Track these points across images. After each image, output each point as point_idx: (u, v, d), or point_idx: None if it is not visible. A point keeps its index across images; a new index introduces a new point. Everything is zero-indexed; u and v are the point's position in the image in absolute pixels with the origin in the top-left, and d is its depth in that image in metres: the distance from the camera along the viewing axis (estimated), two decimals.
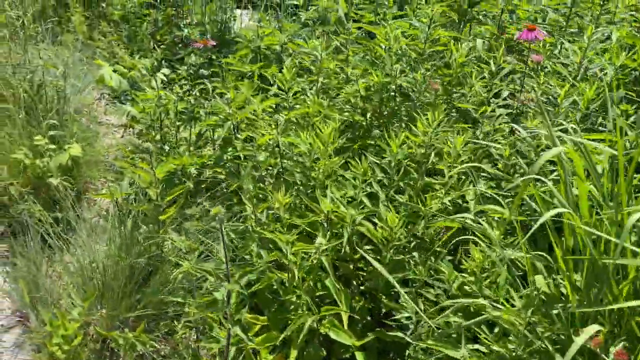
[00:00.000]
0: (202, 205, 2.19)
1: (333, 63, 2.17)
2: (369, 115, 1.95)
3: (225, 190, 2.40)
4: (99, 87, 3.82)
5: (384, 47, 1.97)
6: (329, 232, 1.64)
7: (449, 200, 1.71)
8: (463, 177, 1.83)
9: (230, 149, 2.29)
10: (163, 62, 3.79)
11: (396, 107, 1.94)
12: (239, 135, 2.28)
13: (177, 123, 2.58)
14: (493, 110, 1.94)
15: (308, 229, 1.72)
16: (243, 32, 2.78)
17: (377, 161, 1.68)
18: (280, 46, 2.68)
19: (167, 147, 2.61)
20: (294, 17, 3.76)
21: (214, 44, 2.58)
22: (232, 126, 2.20)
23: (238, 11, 4.23)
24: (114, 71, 3.15)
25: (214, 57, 3.73)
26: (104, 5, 4.56)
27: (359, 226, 1.59)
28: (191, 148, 2.57)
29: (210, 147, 2.76)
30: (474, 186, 1.76)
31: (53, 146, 2.61)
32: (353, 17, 2.72)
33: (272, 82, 2.63)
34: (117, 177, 2.72)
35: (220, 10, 3.96)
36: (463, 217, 1.49)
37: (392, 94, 1.95)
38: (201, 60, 3.64)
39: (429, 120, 1.65)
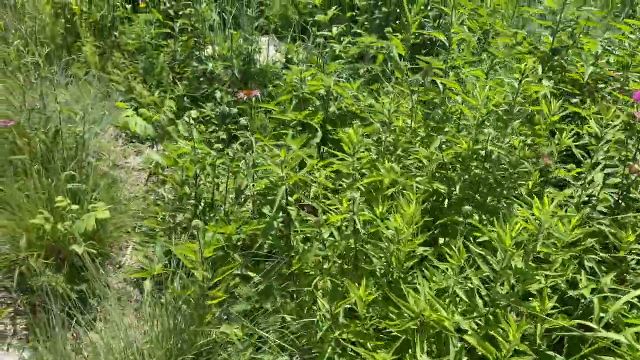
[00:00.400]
0: (253, 284, 1.91)
1: (401, 120, 1.90)
2: (457, 187, 1.69)
3: (272, 255, 2.12)
4: (116, 125, 3.55)
5: (460, 99, 1.71)
6: (424, 342, 1.36)
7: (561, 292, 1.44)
8: (570, 262, 1.56)
9: (279, 214, 2.01)
10: (185, 98, 3.51)
11: (488, 178, 1.68)
12: (290, 199, 2.00)
13: (216, 180, 2.30)
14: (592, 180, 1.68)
15: (396, 332, 1.45)
16: (287, 76, 2.51)
17: (481, 252, 1.41)
18: (326, 91, 2.41)
19: (202, 204, 2.34)
20: (325, 50, 3.50)
21: (257, 94, 2.31)
22: (285, 191, 1.93)
23: (264, 39, 3.96)
24: (138, 114, 2.88)
25: (241, 92, 3.46)
26: (116, 34, 4.30)
27: (468, 336, 1.32)
28: (233, 208, 2.29)
29: (250, 202, 2.48)
30: (585, 272, 1.49)
31: (75, 207, 2.33)
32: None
33: (318, 131, 2.37)
34: (147, 239, 2.44)
35: (244, 41, 3.70)
36: (606, 336, 1.22)
37: (482, 161, 1.69)
38: (228, 98, 3.37)
39: (542, 204, 1.39)
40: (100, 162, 2.99)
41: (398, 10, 2.96)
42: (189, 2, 4.27)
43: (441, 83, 2.02)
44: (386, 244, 1.51)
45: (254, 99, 2.23)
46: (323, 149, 2.35)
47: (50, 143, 2.71)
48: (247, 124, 3.38)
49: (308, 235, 1.88)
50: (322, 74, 2.50)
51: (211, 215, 2.33)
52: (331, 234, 1.69)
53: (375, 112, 1.93)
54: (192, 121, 2.94)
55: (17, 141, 2.63)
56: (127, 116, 2.82)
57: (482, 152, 1.68)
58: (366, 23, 3.43)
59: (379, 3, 3.08)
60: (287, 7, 4.18)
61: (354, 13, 3.59)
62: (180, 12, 4.26)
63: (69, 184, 2.60)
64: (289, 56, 3.62)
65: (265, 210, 2.30)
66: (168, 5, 4.35)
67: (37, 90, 2.80)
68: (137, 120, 2.69)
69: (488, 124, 1.66)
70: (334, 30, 3.43)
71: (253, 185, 2.30)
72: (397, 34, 2.79)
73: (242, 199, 2.41)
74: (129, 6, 4.50)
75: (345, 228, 1.63)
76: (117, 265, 2.56)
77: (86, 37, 4.20)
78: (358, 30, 3.54)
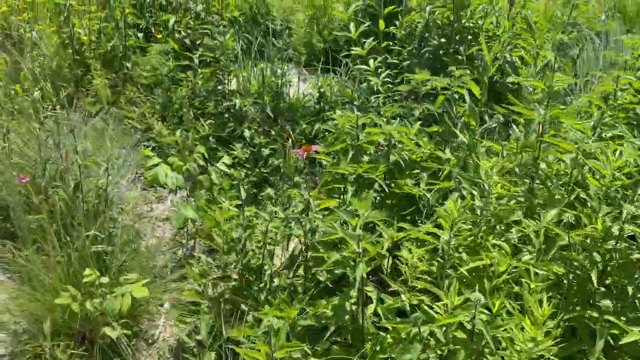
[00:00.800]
0: None
1: (499, 186, 1.62)
2: (594, 276, 1.40)
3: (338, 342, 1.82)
4: (135, 162, 3.25)
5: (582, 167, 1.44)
6: None
7: None
8: None
9: (353, 294, 1.72)
10: (210, 138, 3.22)
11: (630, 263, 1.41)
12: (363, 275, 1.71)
13: (268, 247, 2.01)
14: None
15: None
16: (339, 121, 2.23)
17: None
18: (388, 140, 2.13)
19: (252, 278, 2.04)
20: (362, 84, 3.22)
21: (318, 149, 2.03)
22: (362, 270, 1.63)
23: (294, 71, 3.69)
24: (165, 162, 2.59)
25: (273, 131, 3.18)
26: (128, 65, 4.01)
27: None
28: (286, 280, 2.00)
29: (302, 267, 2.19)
30: None
31: (104, 279, 2.02)
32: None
33: (381, 186, 2.09)
34: (187, 314, 2.13)
35: (272, 74, 3.42)
36: None
37: (617, 243, 1.42)
38: (261, 139, 3.09)
39: None
40: (122, 213, 2.69)
41: (455, 44, 2.69)
42: (207, 31, 4.00)
43: (548, 141, 1.71)
44: (514, 354, 1.22)
45: (312, 153, 1.94)
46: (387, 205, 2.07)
47: (69, 199, 2.40)
48: (280, 166, 3.09)
49: (388, 325, 1.59)
50: (379, 119, 2.22)
51: (260, 286, 2.03)
52: (432, 333, 1.40)
53: (445, 163, 1.65)
54: (226, 168, 2.65)
55: (34, 199, 2.33)
56: (153, 165, 2.52)
57: (616, 232, 1.41)
58: (405, 54, 3.17)
59: (426, 35, 2.82)
60: (312, 34, 3.91)
61: (389, 43, 3.33)
62: (198, 42, 3.98)
63: (94, 246, 2.30)
64: (322, 90, 3.34)
65: (321, 275, 2.01)
66: (184, 34, 4.08)
67: (52, 137, 2.51)
68: (167, 171, 2.40)
69: (618, 195, 1.40)
70: (371, 63, 3.16)
71: (310, 255, 2.01)
72: (452, 69, 2.52)
73: (295, 266, 2.12)
74: (140, 34, 4.23)
75: (454, 329, 1.35)
76: (150, 341, 2.25)
77: (96, 69, 3.91)
78: (393, 60, 3.28)
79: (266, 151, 3.06)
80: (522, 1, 2.59)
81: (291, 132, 3.23)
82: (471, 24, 2.72)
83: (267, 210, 1.95)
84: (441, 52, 2.72)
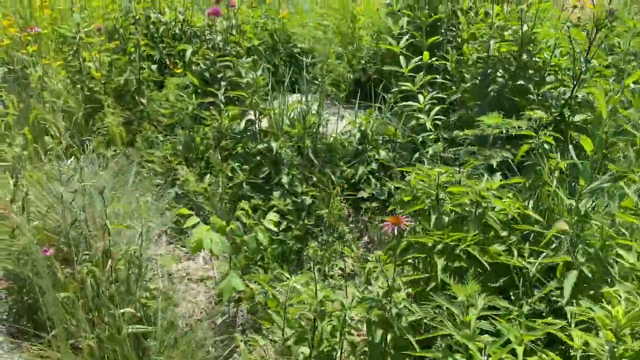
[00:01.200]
0: None
1: None
2: None
3: None
4: (159, 210, 2.92)
5: None
6: None
7: None
8: None
9: None
10: (244, 185, 2.91)
11: None
12: None
13: (347, 337, 1.70)
14: None
15: None
16: (412, 176, 1.94)
17: None
18: (475, 201, 1.84)
19: None
20: (411, 123, 2.94)
21: (410, 221, 1.72)
22: None
23: (327, 105, 3.40)
24: (204, 221, 2.28)
25: (314, 177, 2.88)
26: (143, 101, 3.70)
27: None
28: None
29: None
30: None
31: None
32: None
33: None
34: None
35: (306, 111, 3.13)
36: None
37: None
38: (303, 188, 2.79)
39: None
40: (154, 279, 2.37)
41: (523, 81, 2.42)
42: (229, 64, 3.70)
43: None
44: None
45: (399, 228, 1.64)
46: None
47: (98, 270, 2.08)
48: (324, 216, 2.79)
49: None
50: (457, 173, 1.93)
51: None
52: None
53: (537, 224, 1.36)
54: (274, 227, 2.34)
55: (58, 274, 2.01)
56: (193, 225, 2.20)
57: None
58: (461, 90, 2.90)
59: (489, 71, 2.55)
60: (342, 64, 3.63)
61: (436, 76, 3.06)
62: (219, 75, 3.68)
63: (130, 326, 1.99)
64: (362, 128, 3.05)
65: None
66: (202, 66, 3.77)
67: (77, 199, 2.19)
68: (213, 237, 2.08)
69: None
70: (421, 98, 2.89)
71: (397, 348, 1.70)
72: (529, 114, 2.24)
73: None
74: (154, 67, 3.91)
75: None
76: None
77: (109, 106, 3.59)
78: (440, 95, 3.00)
79: (308, 200, 2.75)
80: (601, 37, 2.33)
81: (333, 177, 2.93)
82: (538, 59, 2.46)
83: (342, 286, 1.64)
84: (506, 89, 2.45)
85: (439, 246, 1.79)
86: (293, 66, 4.20)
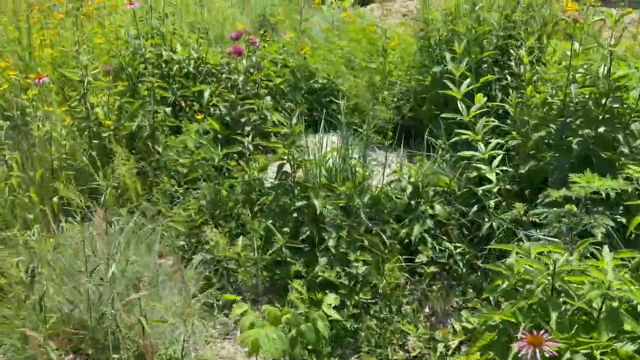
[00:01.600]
0: None
1: None
2: None
3: None
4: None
5: None
6: None
7: None
8: None
9: None
10: (284, 248, 2.56)
11: None
12: None
13: None
14: None
15: None
16: (514, 258, 1.61)
17: None
18: (603, 294, 1.50)
19: None
20: (472, 174, 2.62)
21: (554, 344, 1.38)
22: None
23: (373, 155, 3.07)
24: (251, 306, 1.92)
25: (365, 240, 2.54)
26: (159, 149, 3.34)
27: None
28: None
29: None
30: None
31: None
32: None
33: None
34: None
35: (345, 158, 2.80)
36: None
37: None
38: (355, 255, 2.44)
39: None
40: None
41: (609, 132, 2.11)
42: (253, 107, 3.37)
43: None
44: None
45: None
46: None
47: None
48: (377, 285, 2.44)
49: None
50: (576, 257, 1.60)
51: None
52: None
53: None
54: (336, 314, 1.99)
55: None
56: (241, 314, 1.85)
57: None
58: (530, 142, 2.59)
59: (569, 120, 2.23)
60: (379, 106, 3.32)
61: (495, 121, 2.75)
62: (243, 119, 3.34)
63: None
64: (412, 180, 2.73)
65: None
66: (223, 110, 3.44)
67: (102, 288, 1.82)
68: (270, 333, 1.72)
69: None
70: (482, 147, 2.57)
71: None
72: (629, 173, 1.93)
73: None
74: (168, 109, 3.56)
75: None
76: None
77: (121, 155, 3.23)
78: (498, 140, 2.69)
79: (360, 267, 2.41)
80: None
81: (383, 236, 2.59)
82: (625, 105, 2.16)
83: None
84: (592, 141, 2.14)
85: (567, 354, 1.45)
86: (315, 103, 3.90)
